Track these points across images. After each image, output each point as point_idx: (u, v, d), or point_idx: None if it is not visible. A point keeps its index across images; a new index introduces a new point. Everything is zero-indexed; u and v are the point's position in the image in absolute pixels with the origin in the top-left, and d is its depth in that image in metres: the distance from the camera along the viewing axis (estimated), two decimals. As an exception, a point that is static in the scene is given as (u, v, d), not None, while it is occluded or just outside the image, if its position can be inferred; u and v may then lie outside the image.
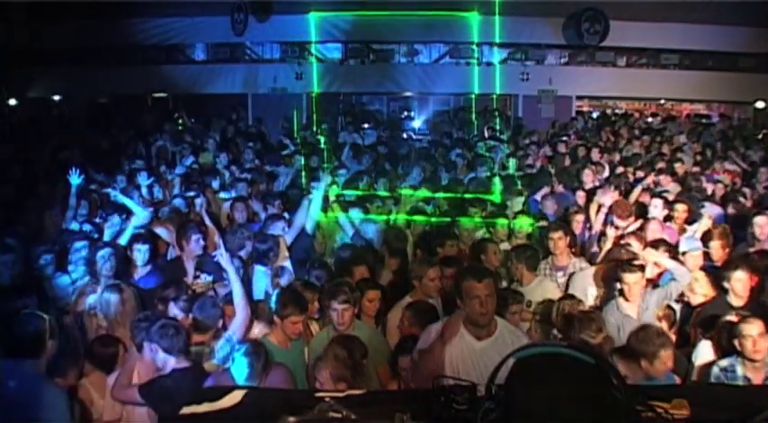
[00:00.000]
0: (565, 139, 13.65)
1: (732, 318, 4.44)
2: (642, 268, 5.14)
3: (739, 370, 4.10)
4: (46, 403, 3.50)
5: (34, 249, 5.94)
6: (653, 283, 5.38)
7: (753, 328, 4.07)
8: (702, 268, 5.67)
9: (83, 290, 5.37)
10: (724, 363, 4.19)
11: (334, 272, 5.60)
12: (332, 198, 6.95)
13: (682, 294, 5.26)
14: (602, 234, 6.38)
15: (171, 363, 4.01)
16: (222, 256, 4.84)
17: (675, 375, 4.37)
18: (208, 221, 5.67)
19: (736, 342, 4.12)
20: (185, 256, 5.89)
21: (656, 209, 7.21)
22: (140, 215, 6.51)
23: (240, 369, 3.88)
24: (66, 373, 4.17)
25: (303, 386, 4.23)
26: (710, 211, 7.30)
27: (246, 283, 5.26)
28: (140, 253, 5.83)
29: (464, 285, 3.66)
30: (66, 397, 3.65)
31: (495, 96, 19.07)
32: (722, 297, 5.03)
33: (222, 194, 8.48)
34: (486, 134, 13.99)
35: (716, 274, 5.29)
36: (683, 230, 6.88)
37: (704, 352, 4.54)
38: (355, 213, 6.91)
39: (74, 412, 3.78)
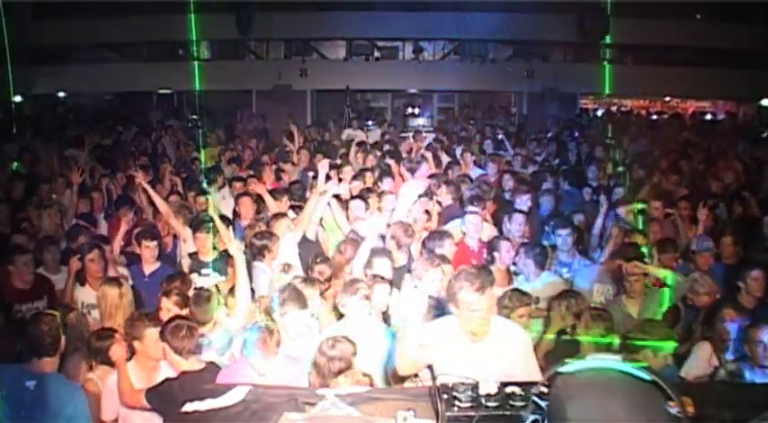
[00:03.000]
0: (569, 136, 13.60)
1: (733, 318, 4.42)
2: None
3: (747, 374, 4.04)
4: (66, 400, 3.53)
5: (42, 246, 5.98)
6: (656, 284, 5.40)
7: (764, 334, 3.98)
8: (711, 268, 5.67)
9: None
10: (732, 366, 4.15)
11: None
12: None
13: (685, 296, 5.25)
14: (607, 231, 6.38)
15: (180, 364, 3.90)
16: (231, 243, 4.89)
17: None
18: (217, 219, 5.70)
19: (746, 347, 4.07)
20: (199, 252, 5.96)
21: (657, 210, 7.21)
22: (162, 208, 6.62)
23: (253, 345, 3.85)
24: (77, 370, 4.18)
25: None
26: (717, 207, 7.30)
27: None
28: (149, 249, 5.89)
29: (461, 296, 3.44)
30: (84, 392, 3.68)
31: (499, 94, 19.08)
32: (731, 296, 5.00)
33: (225, 191, 8.49)
34: (491, 132, 13.95)
35: (726, 272, 5.29)
36: (689, 228, 6.87)
37: (701, 352, 4.51)
38: (354, 205, 6.88)
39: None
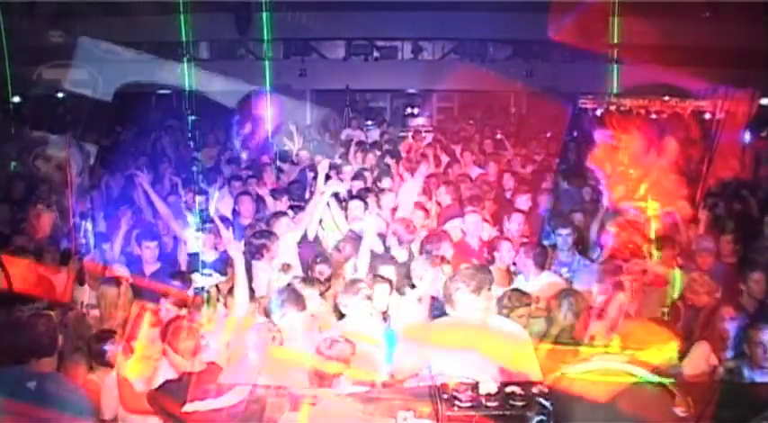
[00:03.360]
0: (569, 136, 13.60)
1: (731, 320, 4.42)
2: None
3: (747, 373, 4.03)
4: (67, 400, 3.53)
5: (42, 246, 6.00)
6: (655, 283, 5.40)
7: (765, 335, 3.96)
8: (711, 268, 5.67)
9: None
10: (731, 365, 4.14)
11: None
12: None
13: (684, 296, 5.25)
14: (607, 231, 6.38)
15: (181, 365, 3.90)
16: (231, 244, 4.89)
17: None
18: (217, 220, 5.72)
19: (746, 348, 4.06)
20: (199, 252, 5.99)
21: (656, 210, 7.20)
22: (162, 209, 6.62)
23: (253, 346, 3.87)
24: (77, 369, 4.18)
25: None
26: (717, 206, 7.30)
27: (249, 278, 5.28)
28: (149, 250, 5.92)
29: (457, 297, 3.44)
30: (84, 392, 3.68)
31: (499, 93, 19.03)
32: (731, 296, 4.99)
33: (225, 190, 8.50)
34: (490, 131, 13.96)
35: (726, 271, 5.29)
36: (689, 228, 6.87)
37: (699, 352, 4.51)
38: (353, 205, 6.87)
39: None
